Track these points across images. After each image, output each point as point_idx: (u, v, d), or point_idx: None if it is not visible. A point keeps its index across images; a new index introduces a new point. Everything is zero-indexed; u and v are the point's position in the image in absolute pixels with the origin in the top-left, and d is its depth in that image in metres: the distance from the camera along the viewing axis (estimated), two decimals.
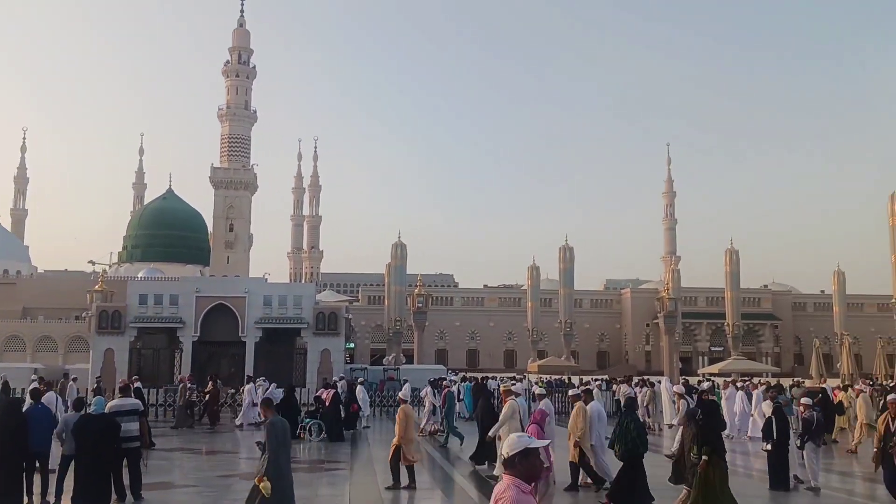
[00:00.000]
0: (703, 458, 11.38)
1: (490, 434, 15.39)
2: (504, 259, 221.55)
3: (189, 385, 30.18)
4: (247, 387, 30.34)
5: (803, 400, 16.84)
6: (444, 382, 30.35)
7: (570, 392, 16.47)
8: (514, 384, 19.41)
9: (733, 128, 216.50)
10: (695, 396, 20.32)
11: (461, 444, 21.46)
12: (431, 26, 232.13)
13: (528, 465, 4.29)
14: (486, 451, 17.41)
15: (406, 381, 29.27)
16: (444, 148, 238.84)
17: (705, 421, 12.08)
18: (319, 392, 27.78)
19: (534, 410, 11.93)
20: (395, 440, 14.79)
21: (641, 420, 17.49)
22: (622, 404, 15.53)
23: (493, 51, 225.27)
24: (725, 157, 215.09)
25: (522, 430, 14.94)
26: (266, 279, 52.08)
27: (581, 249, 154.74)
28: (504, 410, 14.94)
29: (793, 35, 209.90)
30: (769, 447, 15.14)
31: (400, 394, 17.45)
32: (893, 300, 62.86)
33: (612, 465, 13.91)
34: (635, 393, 28.93)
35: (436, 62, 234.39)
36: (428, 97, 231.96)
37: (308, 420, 24.96)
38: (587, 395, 15.24)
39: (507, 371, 74.04)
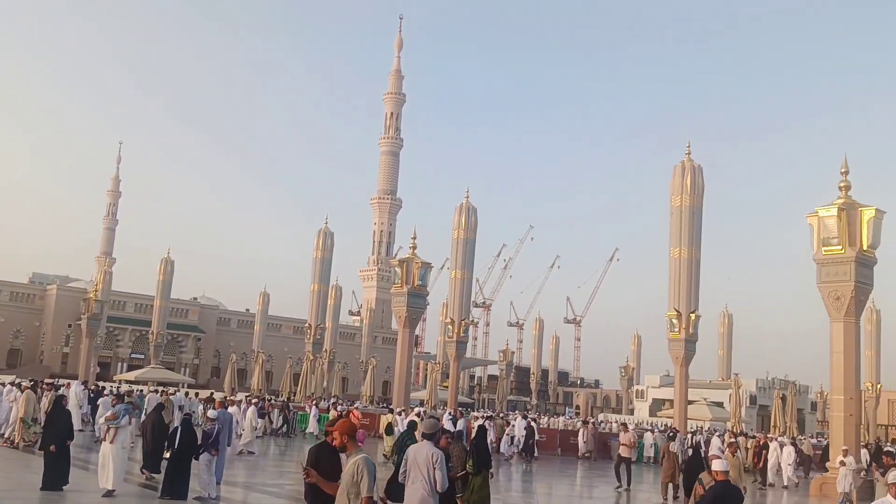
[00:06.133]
0: (469, 469, 13.97)
1: None
2: None
3: None
4: None
5: (210, 413, 17.79)
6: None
7: None
8: None
9: (186, 129, 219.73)
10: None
11: None
12: None
13: None
14: None
15: None
16: None
17: (477, 441, 15.17)
18: None
19: None
20: None
21: None
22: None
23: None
24: (175, 167, 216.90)
25: None
26: None
27: (6, 236, 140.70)
28: None
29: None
30: (167, 455, 15.99)
31: None
32: (307, 324, 69.48)
33: None
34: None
35: None
36: None
37: None
38: None
39: None
